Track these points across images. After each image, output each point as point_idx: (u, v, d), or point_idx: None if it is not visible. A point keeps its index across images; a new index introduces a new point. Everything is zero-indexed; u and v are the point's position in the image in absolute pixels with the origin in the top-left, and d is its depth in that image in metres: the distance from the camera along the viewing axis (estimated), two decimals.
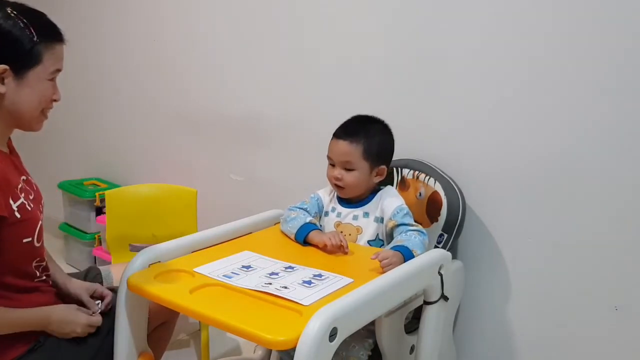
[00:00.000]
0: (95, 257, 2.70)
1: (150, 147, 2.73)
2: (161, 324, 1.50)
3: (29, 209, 1.25)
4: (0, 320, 1.22)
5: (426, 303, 1.40)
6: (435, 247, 1.60)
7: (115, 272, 1.58)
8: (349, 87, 1.94)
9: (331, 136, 1.58)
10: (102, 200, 2.39)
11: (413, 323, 1.50)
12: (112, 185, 2.82)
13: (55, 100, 1.28)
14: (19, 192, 1.24)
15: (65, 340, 1.30)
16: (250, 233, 1.62)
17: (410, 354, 1.49)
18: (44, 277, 1.35)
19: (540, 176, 1.57)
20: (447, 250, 1.50)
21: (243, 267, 1.35)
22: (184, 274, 1.33)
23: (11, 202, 1.20)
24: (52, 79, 1.25)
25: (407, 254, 1.38)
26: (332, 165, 1.59)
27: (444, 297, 1.40)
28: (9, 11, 1.18)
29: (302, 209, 1.63)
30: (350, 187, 1.57)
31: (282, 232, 1.61)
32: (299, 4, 2.04)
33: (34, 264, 1.30)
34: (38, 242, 1.28)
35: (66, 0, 2.90)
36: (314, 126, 2.03)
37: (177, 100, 2.55)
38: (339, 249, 1.46)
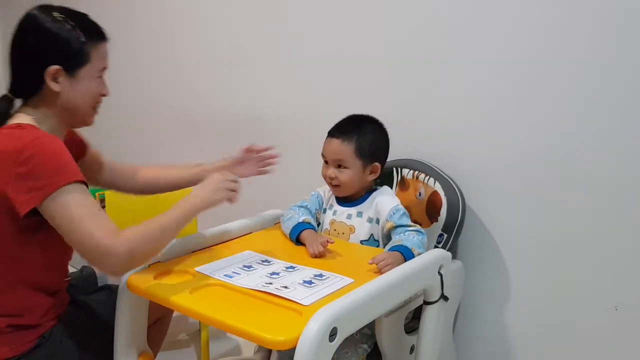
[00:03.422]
0: None
1: (150, 147, 2.73)
2: (155, 321, 1.49)
3: None
4: (158, 224, 1.25)
5: (426, 303, 1.40)
6: (435, 247, 1.60)
7: None
8: (349, 87, 1.94)
9: None
10: (102, 200, 2.38)
11: (413, 323, 1.50)
12: None
13: (104, 95, 1.36)
14: None
15: (66, 336, 1.31)
16: (251, 233, 1.62)
17: (410, 354, 1.49)
18: (67, 279, 1.38)
19: (541, 176, 1.57)
20: (447, 250, 1.50)
21: (244, 266, 1.35)
22: (184, 274, 1.33)
23: None
24: (100, 76, 1.33)
25: (406, 253, 1.38)
26: (326, 163, 1.60)
27: (444, 297, 1.40)
28: (56, 15, 1.26)
29: (302, 207, 1.63)
30: (344, 185, 1.58)
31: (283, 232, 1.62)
32: (299, 5, 2.04)
33: (66, 262, 1.35)
34: None
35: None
36: (314, 126, 2.03)
37: (178, 100, 2.55)
38: (322, 255, 1.45)
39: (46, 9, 1.28)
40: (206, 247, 1.48)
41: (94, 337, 1.35)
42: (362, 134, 1.55)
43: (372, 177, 1.59)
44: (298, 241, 1.54)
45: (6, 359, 1.23)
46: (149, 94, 2.68)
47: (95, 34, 1.31)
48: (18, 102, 1.31)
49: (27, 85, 1.28)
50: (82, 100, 1.30)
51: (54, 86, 1.25)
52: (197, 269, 1.33)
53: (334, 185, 1.59)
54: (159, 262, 1.38)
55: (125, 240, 1.17)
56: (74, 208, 1.17)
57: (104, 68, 1.34)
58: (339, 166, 1.56)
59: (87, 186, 1.22)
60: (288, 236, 1.57)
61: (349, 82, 1.94)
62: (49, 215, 1.18)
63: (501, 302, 1.69)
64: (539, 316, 1.63)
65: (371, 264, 1.34)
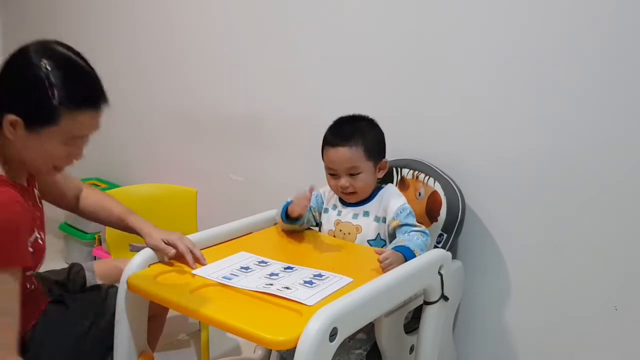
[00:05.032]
0: (95, 257, 2.69)
1: (151, 147, 2.73)
2: (149, 318, 1.48)
3: (40, 241, 1.24)
4: None
5: (426, 303, 1.40)
6: (435, 247, 1.60)
7: (98, 268, 1.56)
8: (349, 87, 1.94)
9: None
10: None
11: (413, 323, 1.50)
12: (112, 185, 2.81)
13: (72, 159, 1.23)
14: (33, 227, 1.22)
15: (46, 336, 1.29)
16: (250, 233, 1.62)
17: (410, 354, 1.49)
18: (33, 287, 1.33)
19: (541, 176, 1.57)
20: (447, 250, 1.50)
21: (242, 267, 1.35)
22: (184, 274, 1.33)
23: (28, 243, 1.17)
24: (69, 143, 1.18)
25: (408, 254, 1.38)
26: (333, 174, 1.55)
27: (444, 297, 1.40)
28: (43, 63, 1.13)
29: None
30: (361, 191, 1.55)
31: (281, 229, 1.62)
32: (299, 5, 2.04)
33: (27, 284, 1.28)
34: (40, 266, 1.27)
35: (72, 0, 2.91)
36: (314, 126, 2.03)
37: (178, 100, 2.55)
38: (307, 200, 1.49)
39: (44, 50, 1.16)
40: (205, 248, 1.47)
41: (74, 337, 1.33)
42: (364, 134, 1.53)
43: (381, 174, 1.58)
44: (288, 218, 1.55)
45: None
46: (149, 94, 2.68)
47: (79, 99, 1.16)
48: None
49: None
50: (37, 158, 1.19)
51: (8, 133, 1.14)
52: (193, 272, 1.33)
53: (349, 193, 1.55)
54: (159, 262, 1.38)
55: None
56: None
57: (79, 136, 1.19)
58: (351, 174, 1.52)
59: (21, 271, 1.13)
60: (280, 220, 1.58)
61: (349, 83, 1.94)
62: None
63: (501, 302, 1.69)
64: (539, 316, 1.63)
65: (377, 254, 1.34)
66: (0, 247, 1.08)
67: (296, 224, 1.60)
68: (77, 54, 1.21)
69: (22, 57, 1.16)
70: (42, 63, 1.13)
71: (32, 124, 1.13)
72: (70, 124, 1.15)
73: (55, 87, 1.12)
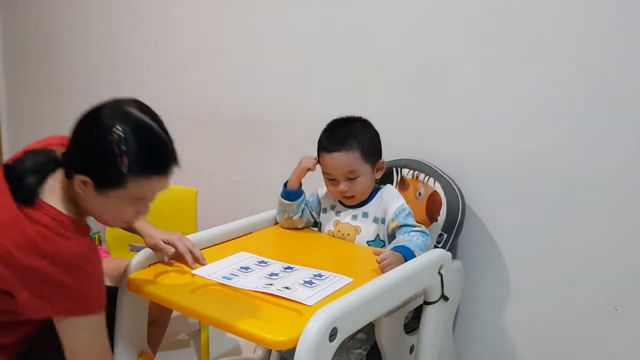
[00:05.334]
0: None
1: None
2: (152, 321, 1.49)
3: None
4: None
5: (426, 303, 1.40)
6: (435, 247, 1.60)
7: None
8: (349, 88, 1.94)
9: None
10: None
11: (413, 323, 1.50)
12: None
13: (140, 216, 1.25)
14: None
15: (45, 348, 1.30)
16: (250, 233, 1.62)
17: (410, 354, 1.49)
18: None
19: (540, 176, 1.57)
20: (447, 250, 1.50)
21: (242, 268, 1.35)
22: (184, 274, 1.33)
23: None
24: (137, 203, 1.19)
25: (407, 255, 1.38)
26: (332, 179, 1.54)
27: (444, 297, 1.40)
28: (117, 130, 1.11)
29: None
30: (359, 194, 1.55)
31: (280, 227, 1.64)
32: (298, 6, 2.04)
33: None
34: None
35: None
36: (314, 126, 2.03)
37: (178, 100, 2.54)
38: (314, 159, 1.58)
39: (119, 113, 1.14)
40: (206, 248, 1.48)
41: None
42: (359, 136, 1.52)
43: (379, 175, 1.58)
44: (289, 191, 1.60)
45: None
46: (149, 94, 2.68)
47: (149, 167, 1.15)
48: None
49: (66, 165, 1.18)
50: (105, 214, 1.21)
51: (78, 189, 1.15)
52: (193, 272, 1.33)
53: (348, 197, 1.55)
54: (159, 262, 1.38)
55: None
56: (82, 340, 1.16)
57: (145, 198, 1.20)
58: (349, 178, 1.52)
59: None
60: (282, 202, 1.62)
61: (349, 83, 1.93)
62: (57, 328, 1.16)
63: (501, 302, 1.69)
64: (539, 316, 1.63)
65: (375, 254, 1.34)
66: (97, 294, 1.16)
67: (295, 202, 1.61)
68: (153, 116, 1.19)
69: (96, 119, 1.15)
70: (115, 128, 1.11)
71: (101, 186, 1.14)
72: (138, 188, 1.15)
73: (126, 155, 1.11)
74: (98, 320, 1.17)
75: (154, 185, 1.18)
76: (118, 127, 1.11)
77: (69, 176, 1.16)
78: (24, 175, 1.16)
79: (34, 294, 1.11)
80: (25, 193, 1.14)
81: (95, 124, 1.14)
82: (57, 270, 1.10)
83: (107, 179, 1.13)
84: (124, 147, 1.11)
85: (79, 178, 1.13)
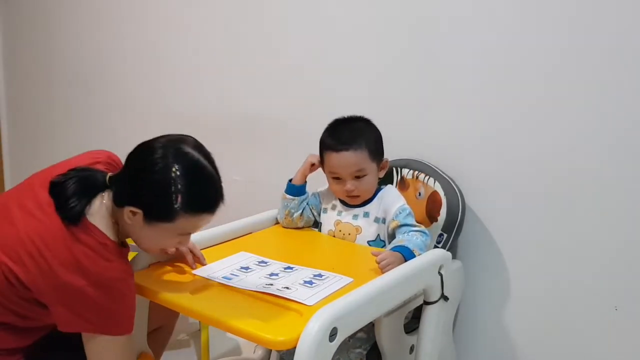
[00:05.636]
0: None
1: None
2: (157, 328, 1.49)
3: None
4: None
5: (426, 303, 1.40)
6: (435, 247, 1.60)
7: None
8: (349, 88, 1.94)
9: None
10: None
11: (413, 323, 1.50)
12: None
13: (179, 245, 1.30)
14: None
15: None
16: (250, 233, 1.62)
17: (410, 353, 1.49)
18: None
19: (540, 176, 1.57)
20: (447, 250, 1.50)
21: (242, 268, 1.35)
22: (184, 274, 1.33)
23: None
24: (181, 236, 1.24)
25: (407, 254, 1.38)
26: (337, 179, 1.54)
27: (444, 297, 1.40)
28: (173, 169, 1.15)
29: None
30: (364, 193, 1.55)
31: (280, 225, 1.65)
32: (297, 6, 2.04)
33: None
34: None
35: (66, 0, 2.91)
36: (314, 127, 2.03)
37: (177, 100, 2.55)
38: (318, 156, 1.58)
39: (175, 152, 1.18)
40: (205, 248, 1.48)
41: (74, 338, 1.33)
42: (364, 135, 1.52)
43: (382, 174, 1.58)
44: (292, 187, 1.61)
45: None
46: (148, 94, 2.68)
47: (200, 207, 1.20)
48: None
49: (116, 194, 1.22)
50: (148, 243, 1.26)
51: (127, 219, 1.19)
52: (194, 272, 1.33)
53: (353, 196, 1.55)
54: (159, 262, 1.38)
55: None
56: (108, 358, 1.19)
57: (189, 233, 1.25)
58: (357, 177, 1.52)
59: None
60: (285, 198, 1.63)
61: (349, 83, 1.93)
62: (85, 344, 1.19)
63: (501, 302, 1.69)
64: (539, 316, 1.63)
65: (374, 254, 1.34)
66: (129, 316, 1.19)
67: (298, 197, 1.62)
68: (206, 155, 1.24)
69: (152, 155, 1.18)
70: (172, 167, 1.16)
71: (150, 218, 1.18)
72: (186, 224, 1.20)
73: (179, 194, 1.15)
74: (127, 340, 1.20)
75: (202, 222, 1.23)
76: (175, 165, 1.16)
77: (118, 204, 1.20)
78: (72, 195, 1.19)
79: (69, 309, 1.15)
80: (72, 213, 1.17)
81: (151, 161, 1.17)
82: (95, 290, 1.14)
83: (158, 213, 1.18)
84: (179, 186, 1.15)
85: (130, 209, 1.17)
